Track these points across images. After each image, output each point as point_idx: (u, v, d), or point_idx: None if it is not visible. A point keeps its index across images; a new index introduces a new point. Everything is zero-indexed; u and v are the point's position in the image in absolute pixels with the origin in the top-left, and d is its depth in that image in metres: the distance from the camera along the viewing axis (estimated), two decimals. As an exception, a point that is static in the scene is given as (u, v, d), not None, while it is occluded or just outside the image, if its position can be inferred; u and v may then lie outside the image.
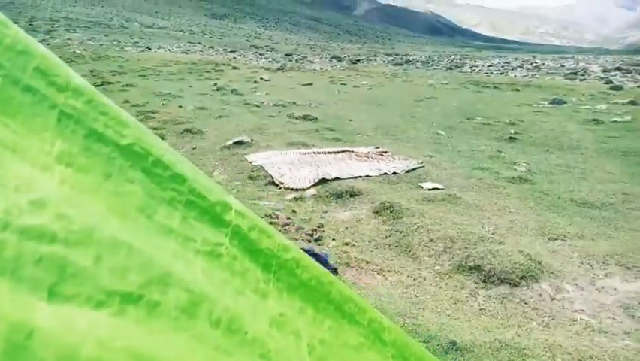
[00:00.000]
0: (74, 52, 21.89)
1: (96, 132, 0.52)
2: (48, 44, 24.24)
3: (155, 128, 7.64)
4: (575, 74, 23.03)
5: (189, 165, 0.63)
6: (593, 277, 3.24)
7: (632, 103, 12.05)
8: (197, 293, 0.51)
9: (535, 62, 31.69)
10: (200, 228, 0.60)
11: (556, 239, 3.86)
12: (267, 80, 16.56)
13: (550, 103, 12.29)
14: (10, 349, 0.31)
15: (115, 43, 29.88)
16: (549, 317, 2.82)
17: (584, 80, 20.35)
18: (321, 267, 0.80)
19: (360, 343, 0.78)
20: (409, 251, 3.69)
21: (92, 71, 15.51)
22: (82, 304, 0.39)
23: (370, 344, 0.80)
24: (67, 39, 28.56)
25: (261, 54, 35.08)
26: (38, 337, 0.33)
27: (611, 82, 18.02)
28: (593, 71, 24.49)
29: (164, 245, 0.54)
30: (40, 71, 0.50)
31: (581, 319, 2.78)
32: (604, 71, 24.62)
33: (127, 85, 12.97)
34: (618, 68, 25.63)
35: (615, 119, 9.76)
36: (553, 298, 3.01)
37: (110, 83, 13.40)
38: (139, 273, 0.45)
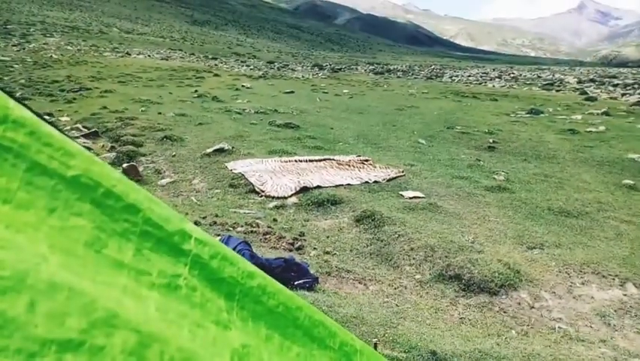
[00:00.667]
0: (51, 57, 21.47)
1: (39, 165, 0.50)
2: (23, 48, 23.74)
3: (133, 135, 7.52)
4: (552, 84, 23.61)
5: (145, 193, 0.60)
6: (571, 286, 3.29)
7: (606, 114, 12.40)
8: (146, 334, 0.48)
9: (513, 73, 32.40)
10: (156, 259, 0.57)
11: (534, 248, 3.91)
12: (248, 88, 16.50)
13: (528, 113, 12.54)
14: None
15: (93, 48, 29.43)
16: (528, 325, 2.84)
17: (560, 90, 20.87)
18: (289, 292, 0.77)
19: None
20: (390, 260, 3.69)
21: (69, 77, 15.23)
22: (11, 357, 0.36)
23: None
24: (44, 43, 28.01)
25: (242, 61, 35.00)
26: None
27: (586, 93, 18.53)
28: (568, 82, 25.15)
29: (114, 282, 0.51)
30: None
31: (559, 327, 2.81)
32: (579, 82, 25.31)
33: (105, 91, 12.77)
34: (592, 80, 26.39)
35: (590, 129, 10.01)
36: (532, 307, 3.04)
37: (88, 88, 13.17)
38: (80, 317, 0.42)
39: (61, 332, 0.40)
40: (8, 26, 35.07)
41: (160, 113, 9.88)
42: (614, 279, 3.36)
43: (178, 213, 0.64)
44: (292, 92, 15.98)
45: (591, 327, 2.83)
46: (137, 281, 0.54)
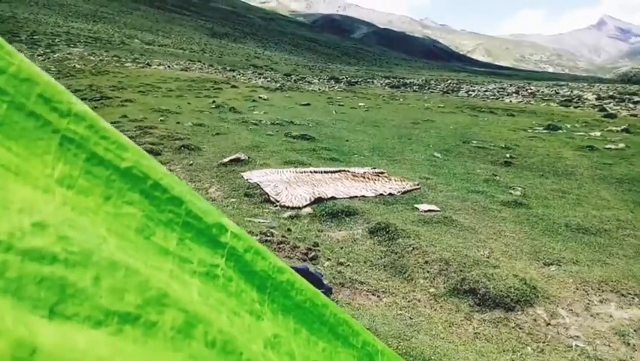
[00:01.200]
0: (74, 66, 22.02)
1: (97, 156, 0.54)
2: (48, 58, 24.41)
3: (152, 144, 7.65)
4: (570, 100, 23.36)
5: (187, 187, 0.65)
6: (588, 303, 3.23)
7: (626, 131, 12.22)
8: (192, 314, 0.51)
9: (531, 89, 32.18)
10: (196, 249, 0.61)
11: (551, 264, 3.86)
12: (265, 99, 16.68)
13: (546, 129, 12.43)
14: None
15: (115, 58, 30.11)
16: (544, 342, 2.79)
17: (579, 107, 20.63)
18: (315, 289, 0.80)
19: None
20: (404, 273, 3.67)
21: (91, 86, 15.59)
22: (81, 323, 0.40)
23: None
24: (68, 53, 28.77)
25: (260, 73, 35.42)
26: (40, 354, 0.34)
27: (605, 110, 18.28)
28: (587, 99, 24.85)
29: (162, 266, 0.55)
30: (44, 98, 0.52)
31: (576, 345, 2.76)
32: (598, 98, 25.00)
33: (126, 100, 13.03)
34: (612, 97, 26.03)
35: (609, 146, 9.87)
36: (549, 324, 2.99)
37: (108, 98, 13.45)
38: (136, 294, 0.46)
39: (121, 305, 0.44)
40: (35, 37, 36.15)
41: (178, 122, 10.04)
42: (633, 298, 3.29)
43: (216, 208, 0.67)
44: (308, 104, 16.10)
45: (610, 346, 2.77)
46: (181, 268, 0.57)
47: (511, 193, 6.06)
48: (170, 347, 0.47)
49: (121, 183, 0.55)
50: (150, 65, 29.09)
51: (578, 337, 2.86)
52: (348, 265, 3.79)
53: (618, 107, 20.24)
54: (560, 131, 12.20)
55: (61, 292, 0.39)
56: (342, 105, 16.76)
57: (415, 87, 31.61)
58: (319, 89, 24.18)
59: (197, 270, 0.59)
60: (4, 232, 0.37)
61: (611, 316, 3.09)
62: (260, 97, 17.19)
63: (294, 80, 31.00)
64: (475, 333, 2.87)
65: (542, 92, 29.63)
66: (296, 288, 0.73)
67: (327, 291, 3.19)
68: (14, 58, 0.51)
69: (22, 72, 0.51)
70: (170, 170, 6.52)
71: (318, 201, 5.20)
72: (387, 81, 37.31)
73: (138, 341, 0.44)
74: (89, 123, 0.55)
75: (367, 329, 2.67)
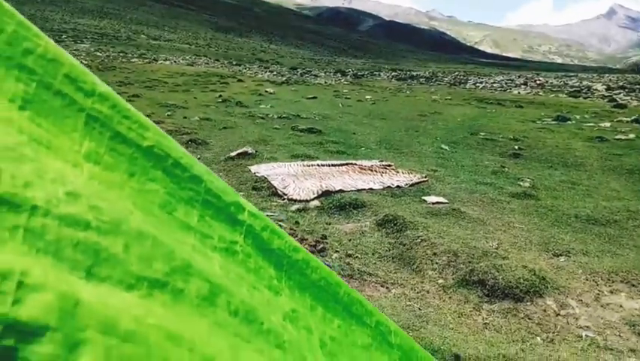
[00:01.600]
0: (81, 62, 22.12)
1: (120, 134, 0.56)
2: (56, 55, 24.55)
3: (160, 138, 7.68)
4: (579, 91, 23.10)
5: (205, 167, 0.67)
6: (598, 294, 3.22)
7: (636, 121, 12.07)
8: (216, 284, 0.53)
9: (539, 80, 31.85)
10: (216, 226, 0.63)
11: (560, 255, 3.84)
12: (271, 93, 16.67)
13: (555, 120, 12.32)
14: (63, 314, 0.35)
15: (122, 54, 30.22)
16: (554, 332, 2.79)
17: (588, 97, 20.42)
18: (329, 268, 0.81)
19: (368, 343, 0.79)
20: (413, 264, 3.67)
21: (98, 82, 15.65)
22: (114, 285, 0.42)
23: (377, 345, 0.81)
24: (75, 50, 28.91)
25: (266, 67, 35.39)
26: (82, 307, 0.36)
27: (615, 100, 18.07)
28: (596, 90, 24.56)
29: (185, 240, 0.57)
30: (70, 78, 0.54)
31: (586, 335, 2.75)
32: (608, 89, 24.69)
33: (133, 95, 13.09)
34: (622, 87, 25.69)
35: (619, 137, 9.77)
36: (558, 314, 2.99)
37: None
38: (163, 262, 0.48)
39: (150, 272, 0.46)
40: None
41: (185, 117, 10.07)
42: (644, 288, 3.27)
43: (232, 189, 0.69)
44: (315, 97, 16.07)
45: (620, 336, 2.76)
46: (202, 243, 0.60)
47: (519, 185, 6.03)
48: (196, 313, 0.49)
49: (144, 161, 0.57)
50: (157, 61, 29.17)
51: (587, 327, 2.85)
52: (357, 257, 3.80)
53: (628, 98, 19.99)
54: (569, 122, 12.09)
55: (95, 256, 0.42)
56: (348, 98, 16.72)
57: (421, 80, 31.43)
58: (325, 83, 24.13)
59: (217, 245, 0.61)
60: (42, 199, 0.39)
61: (621, 306, 3.07)
62: (266, 91, 17.19)
63: (300, 74, 30.95)
64: (485, 323, 2.87)
65: (551, 83, 29.33)
66: (311, 266, 0.74)
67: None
68: (41, 39, 0.53)
69: (48, 53, 0.53)
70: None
71: (326, 194, 5.20)
72: (393, 74, 37.13)
73: (167, 306, 0.46)
74: (112, 103, 0.57)
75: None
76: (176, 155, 0.61)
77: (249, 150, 6.98)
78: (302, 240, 4.05)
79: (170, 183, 0.59)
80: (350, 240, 4.13)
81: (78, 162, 0.50)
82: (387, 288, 3.32)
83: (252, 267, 0.65)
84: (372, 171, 6.23)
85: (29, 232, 0.37)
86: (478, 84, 28.48)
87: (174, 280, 0.48)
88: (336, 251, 3.88)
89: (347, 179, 5.80)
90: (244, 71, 29.10)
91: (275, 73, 29.79)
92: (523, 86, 27.02)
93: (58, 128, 0.50)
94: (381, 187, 5.55)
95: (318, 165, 6.40)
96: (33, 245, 0.37)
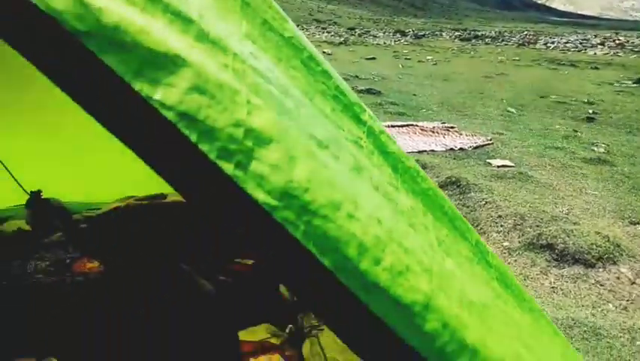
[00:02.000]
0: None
1: (267, 22, 0.63)
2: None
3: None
4: (665, 52, 20.95)
5: (329, 65, 0.73)
6: (679, 264, 3.03)
7: None
8: (359, 160, 0.60)
9: (619, 39, 29.15)
10: (345, 120, 0.69)
11: (637, 223, 3.63)
12: (329, 54, 16.46)
13: (635, 83, 11.34)
14: (282, 132, 0.47)
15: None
16: (628, 300, 2.68)
17: (675, 58, 18.50)
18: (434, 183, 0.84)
19: (470, 257, 0.81)
20: (477, 226, 3.61)
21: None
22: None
23: (478, 260, 0.82)
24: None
25: (323, 28, 34.78)
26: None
27: None
28: (686, 50, 22.16)
29: (324, 123, 0.64)
30: None
31: (663, 305, 2.62)
32: (699, 49, 22.19)
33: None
34: None
35: None
36: (633, 283, 2.86)
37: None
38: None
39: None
40: None
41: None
42: None
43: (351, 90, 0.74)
44: (374, 58, 15.71)
45: (702, 308, 2.61)
46: (337, 131, 0.66)
47: (593, 150, 5.68)
48: (353, 178, 0.58)
49: (287, 50, 0.63)
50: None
51: (665, 297, 2.71)
52: (418, 216, 3.78)
53: None
54: (653, 85, 11.09)
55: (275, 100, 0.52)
56: (408, 59, 16.21)
57: (487, 39, 29.71)
58: (384, 43, 23.45)
59: (347, 137, 0.67)
60: (238, 51, 0.49)
61: None
62: (324, 52, 16.97)
63: (358, 35, 30.18)
64: (552, 287, 2.81)
65: (632, 43, 26.80)
66: (421, 175, 0.78)
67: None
68: None
69: None
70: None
71: (387, 154, 5.17)
72: (456, 34, 35.32)
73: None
74: None
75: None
76: (311, 49, 0.67)
77: (309, 110, 7.01)
78: (363, 198, 4.08)
79: (307, 75, 0.65)
80: (411, 200, 4.11)
81: (242, 38, 0.56)
82: (449, 248, 3.31)
83: (376, 163, 0.69)
84: (433, 132, 6.08)
85: (235, 71, 0.46)
86: (549, 44, 26.54)
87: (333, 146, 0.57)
88: (398, 210, 3.89)
89: (408, 140, 5.71)
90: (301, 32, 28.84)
91: (332, 33, 29.24)
92: (600, 47, 24.90)
93: (224, 9, 0.56)
94: (444, 149, 5.42)
95: (378, 125, 6.33)
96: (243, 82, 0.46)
